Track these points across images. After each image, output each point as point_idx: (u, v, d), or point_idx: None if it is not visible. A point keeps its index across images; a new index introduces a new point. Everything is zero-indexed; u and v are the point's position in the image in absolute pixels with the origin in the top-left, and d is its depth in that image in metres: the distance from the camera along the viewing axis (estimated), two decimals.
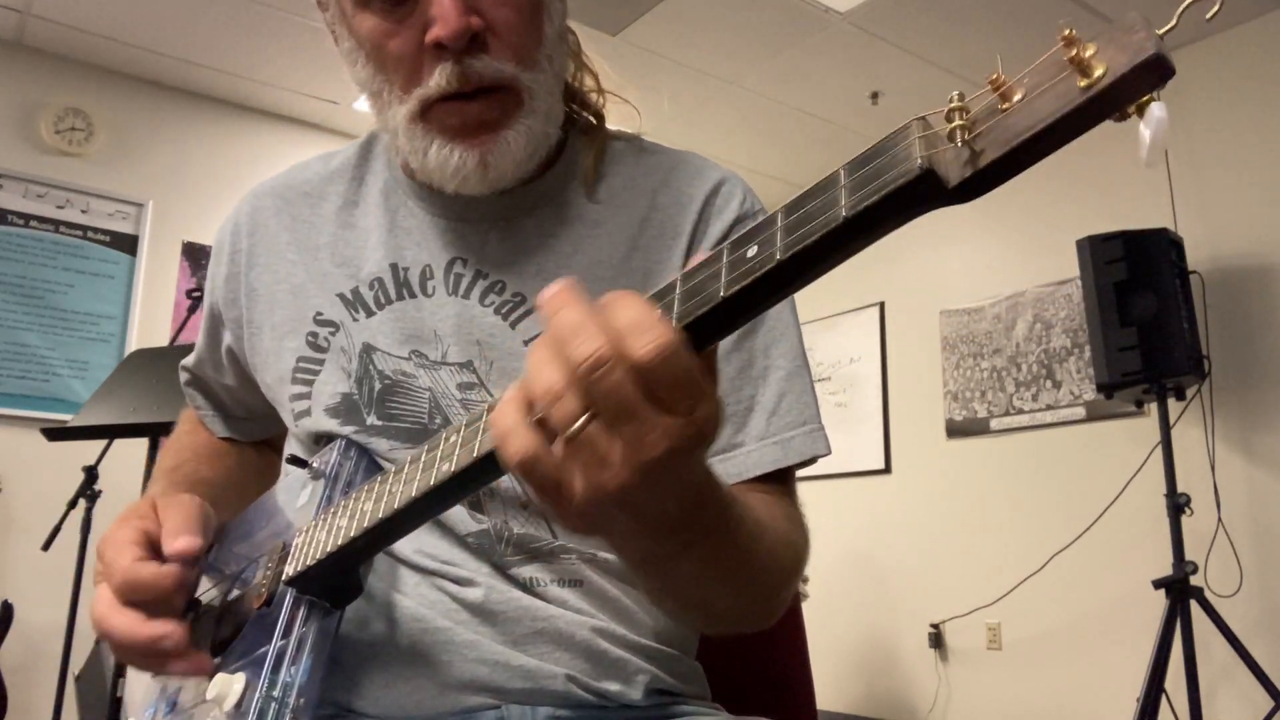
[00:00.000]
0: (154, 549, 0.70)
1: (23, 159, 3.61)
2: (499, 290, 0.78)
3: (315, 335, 0.81)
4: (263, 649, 0.66)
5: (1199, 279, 3.26)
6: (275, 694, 0.63)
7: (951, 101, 0.38)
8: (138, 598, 0.67)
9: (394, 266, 0.81)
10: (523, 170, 0.76)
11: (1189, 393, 3.23)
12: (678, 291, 0.46)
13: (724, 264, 0.44)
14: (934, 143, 0.38)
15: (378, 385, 0.78)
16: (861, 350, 4.56)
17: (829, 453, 0.79)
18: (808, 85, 3.90)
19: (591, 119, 0.86)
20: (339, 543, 0.63)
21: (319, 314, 0.81)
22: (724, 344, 0.76)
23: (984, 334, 4.04)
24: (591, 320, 0.43)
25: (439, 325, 0.78)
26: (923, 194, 0.38)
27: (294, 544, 0.70)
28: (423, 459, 0.58)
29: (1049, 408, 3.76)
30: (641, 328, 0.42)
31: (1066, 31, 0.35)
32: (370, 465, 0.77)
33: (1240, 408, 3.25)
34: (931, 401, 4.19)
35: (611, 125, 0.88)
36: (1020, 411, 3.85)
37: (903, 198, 0.38)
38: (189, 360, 0.99)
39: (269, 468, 1.01)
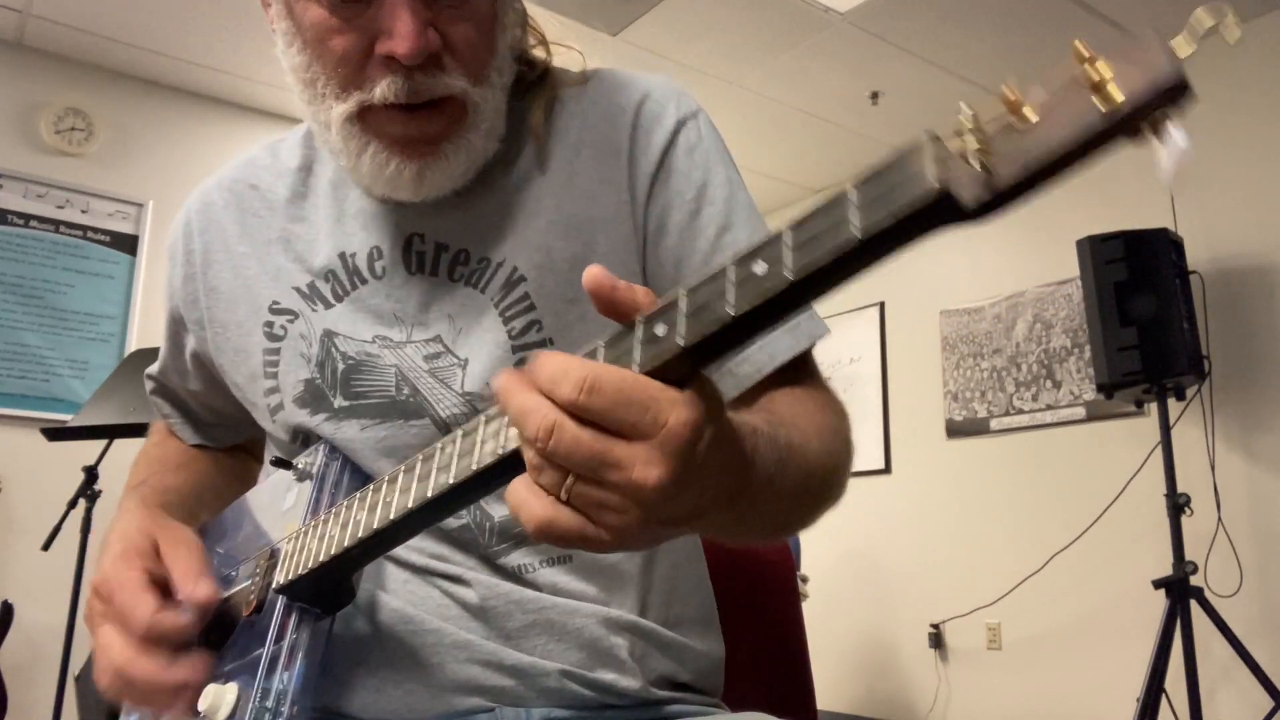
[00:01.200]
0: (162, 590, 0.69)
1: (23, 159, 3.61)
2: (464, 260, 0.77)
3: (271, 325, 0.80)
4: (254, 658, 0.66)
5: (1199, 279, 3.26)
6: (269, 704, 0.63)
7: (962, 116, 0.37)
8: (158, 648, 0.66)
9: (342, 255, 0.79)
10: (457, 184, 0.74)
11: (1189, 393, 3.23)
12: (682, 310, 0.44)
13: (730, 281, 0.43)
14: (948, 164, 0.37)
15: (341, 366, 0.77)
16: (861, 350, 4.56)
17: (829, 331, 0.78)
18: (808, 85, 3.90)
19: (535, 77, 0.83)
20: (332, 551, 0.62)
21: (275, 303, 0.80)
22: (701, 248, 0.76)
23: (984, 334, 4.04)
24: (532, 395, 0.45)
25: (400, 307, 0.77)
26: (937, 215, 0.38)
27: (282, 550, 0.69)
28: (417, 469, 0.57)
29: (1049, 408, 3.76)
30: (560, 377, 0.44)
31: (1082, 51, 0.34)
32: (355, 469, 0.76)
33: (1240, 408, 3.24)
34: (931, 401, 4.19)
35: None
36: (1020, 411, 3.85)
37: (917, 219, 0.38)
38: (153, 369, 0.97)
39: (243, 471, 0.99)
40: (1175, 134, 0.34)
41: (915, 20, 3.43)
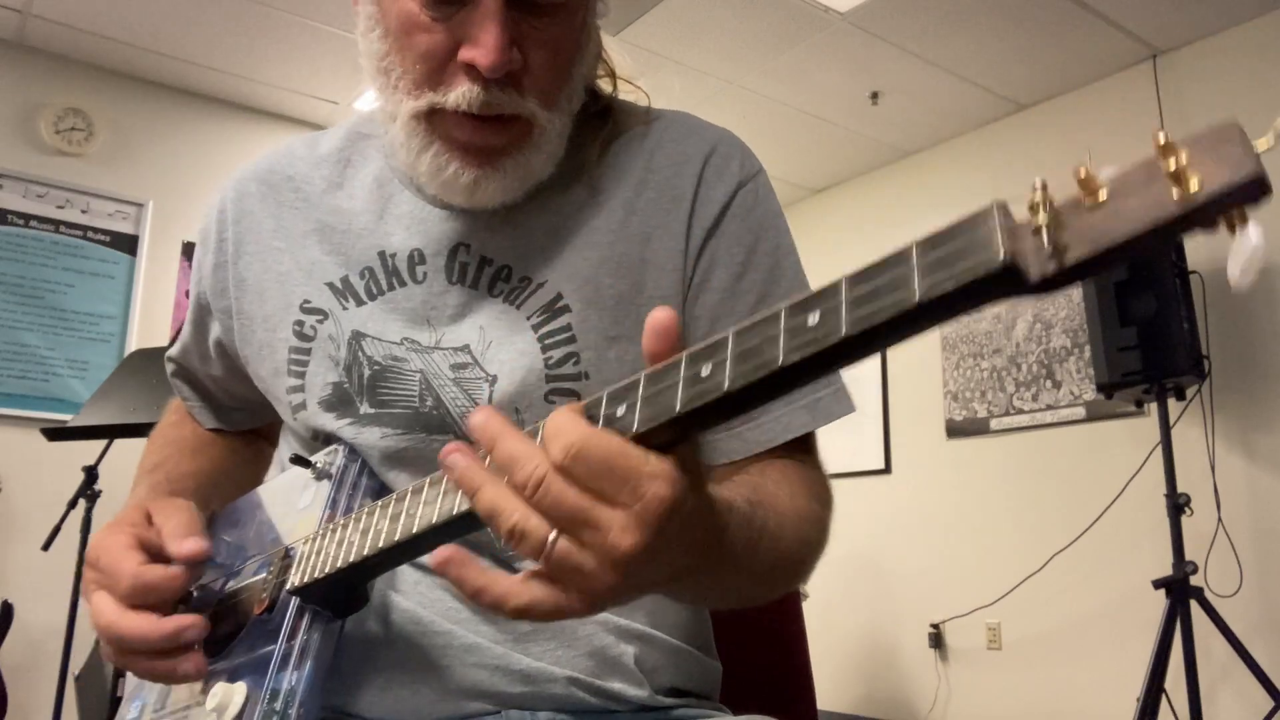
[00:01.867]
0: (152, 554, 0.69)
1: (23, 159, 3.61)
2: (506, 277, 0.77)
3: (301, 324, 0.79)
4: (263, 656, 0.65)
5: (1199, 279, 3.26)
6: (276, 706, 0.63)
7: (1035, 191, 0.37)
8: (146, 601, 0.65)
9: (382, 254, 0.79)
10: (509, 198, 0.75)
11: (1189, 393, 3.23)
12: (730, 351, 0.44)
13: (782, 329, 0.43)
14: (1017, 234, 0.37)
15: (367, 372, 0.76)
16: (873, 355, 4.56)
17: (855, 409, 0.78)
18: (808, 85, 3.90)
19: (600, 109, 0.83)
20: (351, 558, 0.62)
21: (306, 302, 0.79)
22: (739, 311, 0.77)
23: (984, 334, 4.04)
24: (525, 443, 0.47)
25: (434, 313, 0.77)
26: (1001, 285, 0.37)
27: (298, 551, 0.69)
28: (444, 483, 0.57)
29: (1049, 408, 3.76)
30: (557, 435, 0.46)
31: (1162, 139, 0.34)
32: (375, 473, 0.76)
33: (1240, 408, 3.25)
34: (931, 401, 4.19)
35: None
36: (1020, 411, 3.85)
37: (979, 287, 0.37)
38: (174, 350, 0.97)
39: (258, 457, 0.99)
40: (1250, 230, 0.34)
41: (915, 20, 3.43)
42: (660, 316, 0.48)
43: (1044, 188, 0.37)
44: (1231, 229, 0.34)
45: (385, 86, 0.74)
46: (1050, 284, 0.36)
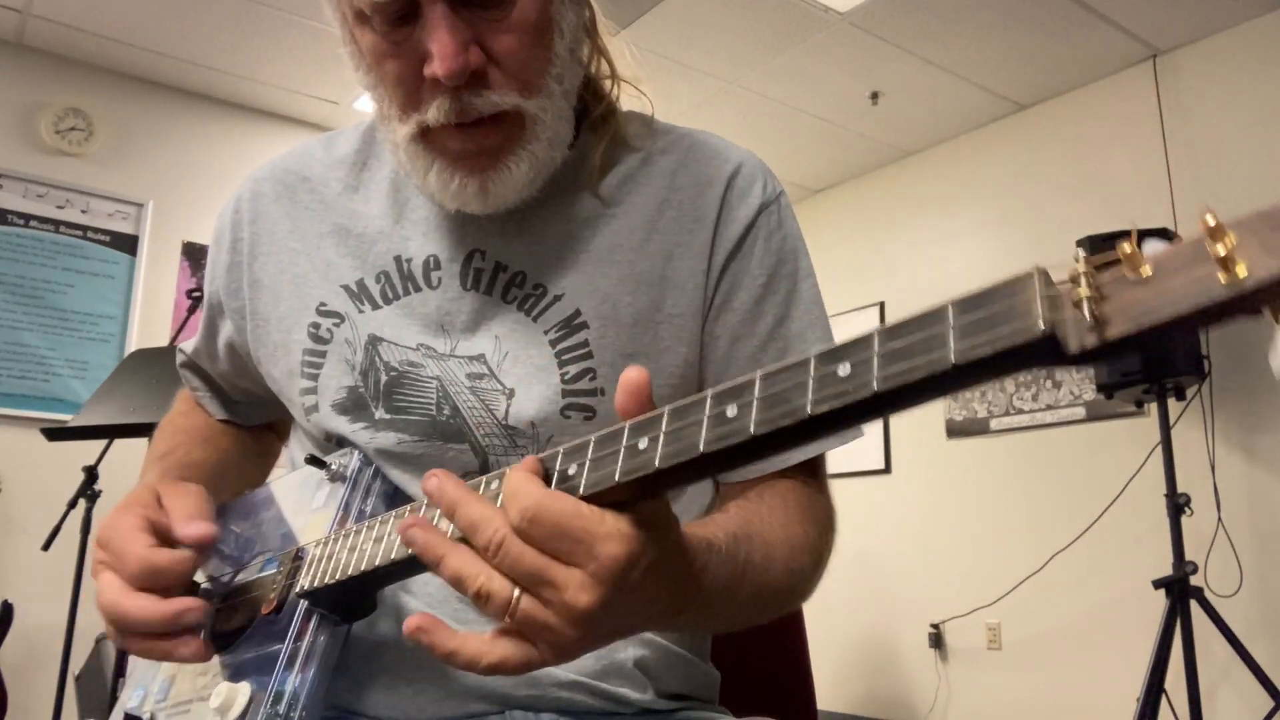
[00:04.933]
0: (161, 537, 0.69)
1: (23, 159, 3.61)
2: (520, 283, 0.76)
3: (317, 326, 0.79)
4: (269, 656, 0.65)
5: None
6: (279, 708, 0.63)
7: (1078, 262, 0.36)
8: (153, 584, 0.65)
9: (398, 259, 0.79)
10: (525, 193, 0.74)
11: (1189, 393, 3.23)
12: (756, 396, 0.44)
13: (811, 378, 0.42)
14: (1058, 304, 0.36)
15: (384, 377, 0.76)
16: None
17: (862, 434, 0.78)
18: (808, 85, 3.90)
19: (602, 113, 0.82)
20: (363, 568, 0.61)
21: (322, 305, 0.79)
22: (759, 332, 0.78)
23: None
24: (486, 507, 0.50)
25: (449, 319, 0.76)
26: (1037, 354, 0.37)
27: (310, 554, 0.69)
28: None
29: (1049, 408, 3.76)
30: (512, 499, 0.48)
31: (1211, 222, 0.33)
32: (388, 478, 0.76)
33: (1240, 408, 3.25)
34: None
35: (624, 105, 0.85)
36: (1020, 411, 3.85)
37: (1016, 354, 0.37)
38: (186, 345, 0.97)
39: (268, 451, 0.99)
40: None
41: (915, 20, 3.43)
42: (632, 376, 0.49)
43: (1088, 259, 0.36)
44: (1277, 317, 0.34)
45: (383, 117, 0.74)
46: (1089, 357, 0.36)
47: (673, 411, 0.47)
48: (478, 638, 0.50)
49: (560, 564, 0.47)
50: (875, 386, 0.40)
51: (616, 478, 0.47)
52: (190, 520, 0.69)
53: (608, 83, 0.84)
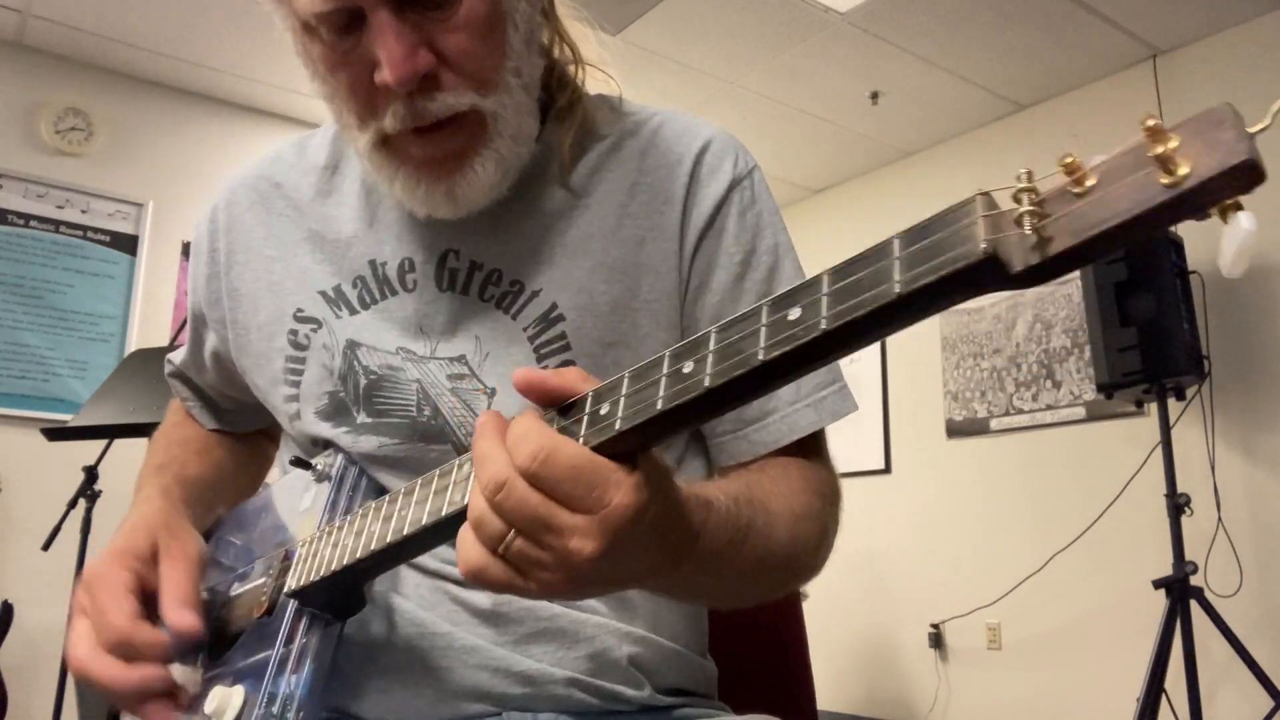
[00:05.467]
0: (147, 598, 0.69)
1: (23, 159, 3.61)
2: (496, 281, 0.76)
3: (296, 333, 0.79)
4: (262, 660, 0.65)
5: (1199, 279, 3.26)
6: (275, 710, 0.63)
7: (1020, 180, 0.36)
8: (125, 656, 0.65)
9: (373, 263, 0.78)
10: (494, 194, 0.72)
11: (1189, 393, 3.23)
12: (711, 349, 0.44)
13: (763, 325, 0.42)
14: (999, 224, 0.36)
15: (363, 381, 0.76)
16: (861, 350, 4.55)
17: (857, 408, 0.78)
18: (808, 85, 3.90)
19: (568, 101, 0.80)
20: (345, 561, 0.62)
21: (299, 311, 0.79)
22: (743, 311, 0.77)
23: (984, 334, 4.04)
24: (495, 446, 0.48)
25: (428, 321, 0.76)
26: (982, 277, 0.36)
27: (296, 554, 0.69)
28: (434, 483, 0.57)
29: (1049, 408, 3.76)
30: (520, 441, 0.47)
31: (1150, 123, 0.33)
32: (373, 477, 0.76)
33: (1240, 408, 3.24)
34: (931, 401, 4.19)
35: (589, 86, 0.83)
36: (1020, 411, 3.85)
37: (961, 279, 0.36)
38: (174, 356, 0.97)
39: (261, 456, 0.99)
40: (1242, 218, 0.32)
41: (915, 20, 3.43)
42: (518, 384, 0.50)
43: (1029, 176, 0.36)
44: (1224, 216, 0.33)
45: (344, 127, 0.73)
46: (1034, 274, 0.35)
47: (633, 374, 0.47)
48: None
49: (565, 509, 0.46)
50: (824, 326, 0.39)
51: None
52: (180, 608, 0.68)
53: (572, 68, 0.82)
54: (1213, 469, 3.23)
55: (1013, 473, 3.85)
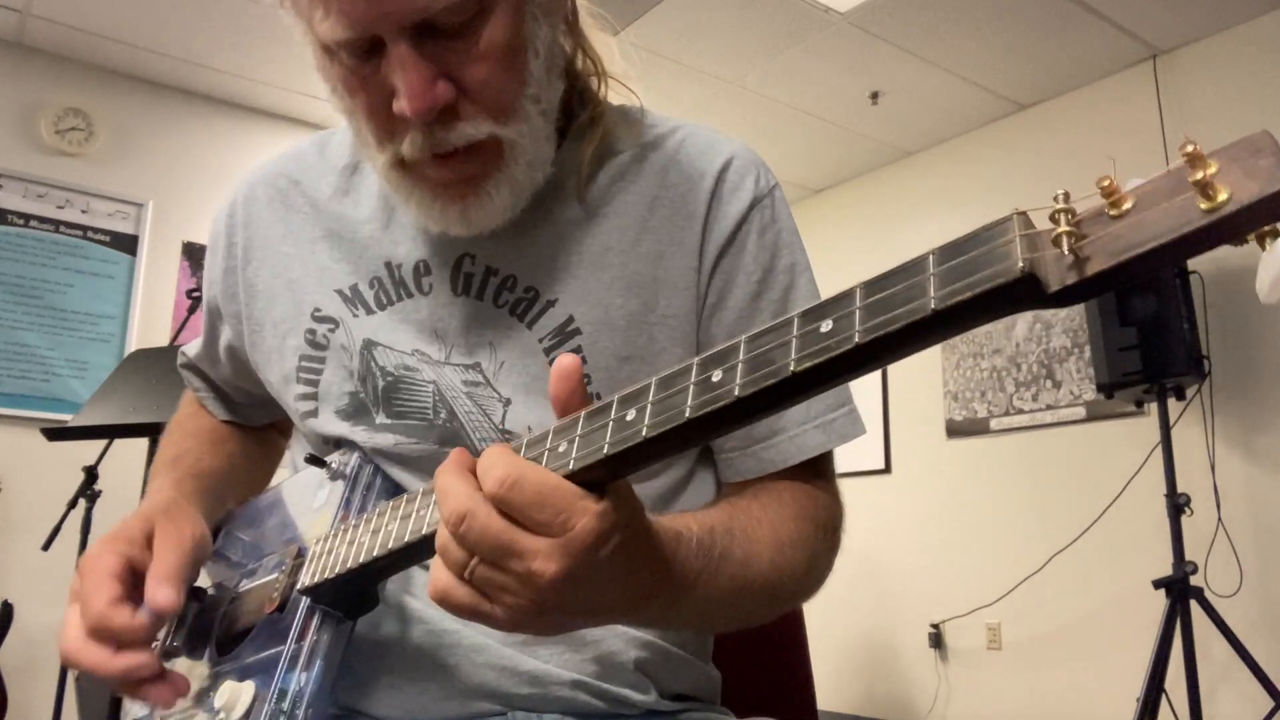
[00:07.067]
0: (135, 580, 0.68)
1: (23, 159, 3.61)
2: (511, 287, 0.75)
3: (314, 333, 0.79)
4: (273, 655, 0.65)
5: (1199, 279, 3.26)
6: (284, 706, 0.63)
7: (1056, 200, 0.36)
8: (106, 641, 0.65)
9: (389, 264, 0.78)
10: (506, 217, 0.72)
11: (1189, 393, 3.23)
12: (741, 358, 0.44)
13: (795, 336, 0.42)
14: (1036, 244, 0.36)
15: (381, 382, 0.76)
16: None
17: (865, 432, 0.78)
18: (808, 85, 3.90)
19: (590, 116, 0.80)
20: (360, 560, 0.62)
21: (317, 310, 0.79)
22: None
23: (984, 334, 4.04)
24: (457, 479, 0.49)
25: (442, 325, 0.76)
26: (1019, 295, 0.36)
27: (310, 551, 0.69)
28: None
29: (1049, 408, 3.76)
30: (491, 467, 0.48)
31: (1189, 148, 0.33)
32: (388, 474, 0.76)
33: (1240, 408, 3.24)
34: (931, 401, 4.19)
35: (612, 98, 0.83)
36: (1020, 411, 3.85)
37: (997, 297, 0.36)
38: (188, 347, 0.97)
39: (273, 451, 0.99)
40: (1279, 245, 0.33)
41: (915, 20, 3.43)
42: (570, 365, 0.49)
43: (1066, 197, 0.36)
44: (1262, 243, 0.33)
45: (362, 144, 0.73)
46: (1070, 294, 0.35)
47: (659, 381, 0.47)
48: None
49: (529, 534, 0.47)
50: (857, 339, 0.39)
51: (605, 451, 0.46)
52: (160, 583, 0.67)
53: (594, 81, 0.81)
54: (1213, 469, 3.23)
55: (1013, 473, 3.85)
